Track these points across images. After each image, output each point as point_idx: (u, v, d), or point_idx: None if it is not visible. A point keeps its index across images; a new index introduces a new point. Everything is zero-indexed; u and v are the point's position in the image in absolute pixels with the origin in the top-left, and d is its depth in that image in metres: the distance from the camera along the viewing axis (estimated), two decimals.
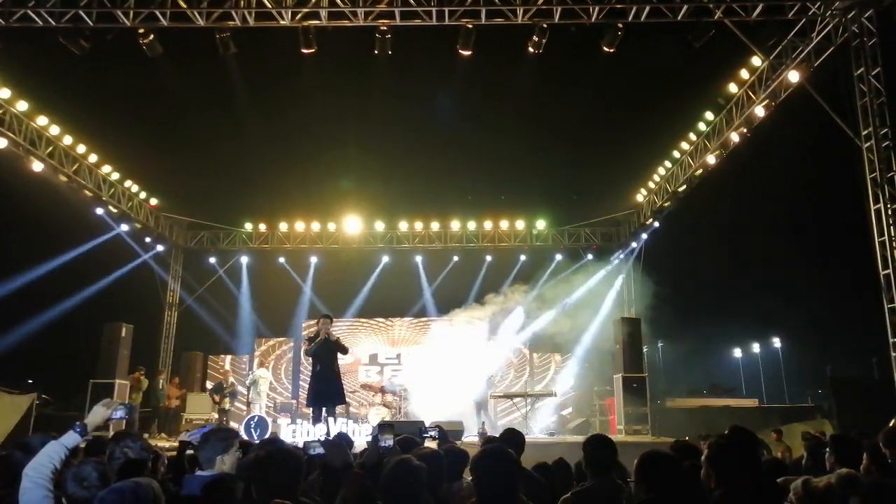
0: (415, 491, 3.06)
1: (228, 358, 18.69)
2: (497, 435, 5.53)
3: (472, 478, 3.20)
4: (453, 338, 16.44)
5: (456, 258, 18.98)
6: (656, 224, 16.86)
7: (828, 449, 3.91)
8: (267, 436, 10.86)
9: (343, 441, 4.37)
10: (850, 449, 3.79)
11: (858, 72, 9.84)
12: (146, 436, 12.62)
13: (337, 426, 10.30)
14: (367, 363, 18.69)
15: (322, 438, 5.58)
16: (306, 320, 18.68)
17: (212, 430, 3.64)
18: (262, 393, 14.83)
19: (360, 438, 9.83)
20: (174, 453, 4.75)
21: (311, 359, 10.71)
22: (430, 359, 16.07)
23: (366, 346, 18.74)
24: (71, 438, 3.19)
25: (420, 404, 14.74)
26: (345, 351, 10.69)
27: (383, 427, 4.09)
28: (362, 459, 3.99)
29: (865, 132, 9.78)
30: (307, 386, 11.46)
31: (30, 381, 15.81)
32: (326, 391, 10.22)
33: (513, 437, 4.81)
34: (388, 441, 3.97)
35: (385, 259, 18.99)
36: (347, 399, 16.11)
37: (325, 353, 10.31)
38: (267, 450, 3.63)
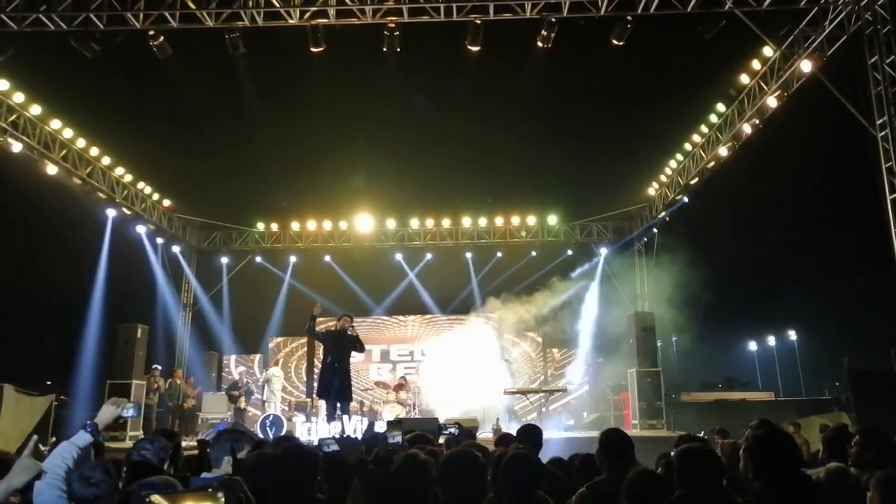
0: (423, 486, 3.05)
1: (257, 357, 18.83)
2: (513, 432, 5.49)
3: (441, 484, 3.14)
4: (482, 334, 16.44)
5: (468, 255, 18.98)
6: (669, 217, 16.74)
7: (854, 441, 3.75)
8: (282, 434, 10.91)
9: (379, 439, 4.33)
10: (883, 442, 3.64)
11: (872, 60, 9.71)
12: None
13: (351, 423, 10.32)
14: (379, 360, 18.74)
15: (336, 435, 5.59)
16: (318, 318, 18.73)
17: (225, 430, 3.66)
18: (276, 392, 14.90)
19: None
20: (194, 452, 4.77)
21: (322, 348, 10.71)
22: (451, 355, 16.01)
23: (378, 345, 18.80)
24: (82, 438, 3.19)
25: (435, 401, 14.75)
26: (361, 349, 10.68)
27: (392, 424, 4.09)
28: (372, 457, 4.01)
29: (880, 121, 9.65)
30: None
31: (48, 383, 15.98)
32: (334, 384, 10.19)
33: (531, 433, 4.76)
34: (396, 437, 3.97)
35: (397, 256, 19.04)
36: (362, 397, 16.19)
37: (339, 347, 10.31)
38: (283, 447, 3.64)
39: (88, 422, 3.29)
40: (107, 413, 3.43)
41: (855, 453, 3.65)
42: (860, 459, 3.58)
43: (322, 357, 10.62)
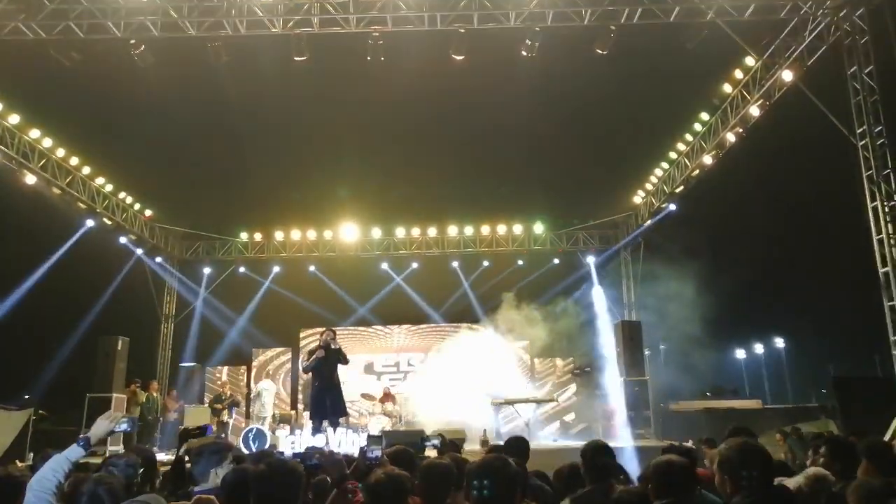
0: (399, 501, 3.00)
1: (243, 369, 18.55)
2: (501, 442, 5.44)
3: (467, 489, 3.12)
4: (471, 344, 16.38)
5: (454, 264, 18.89)
6: (654, 225, 16.80)
7: (820, 452, 3.96)
8: (266, 448, 10.74)
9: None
10: (846, 452, 3.82)
11: (851, 70, 9.83)
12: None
13: (337, 436, 10.20)
14: (363, 372, 18.56)
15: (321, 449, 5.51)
16: (303, 329, 18.58)
17: (204, 445, 3.61)
18: (268, 405, 14.54)
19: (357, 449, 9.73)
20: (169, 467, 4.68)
21: (311, 373, 10.62)
22: (441, 365, 15.89)
23: (362, 355, 18.62)
24: (74, 452, 3.18)
25: (423, 412, 14.62)
26: (345, 361, 10.59)
27: (372, 438, 4.08)
28: (350, 471, 3.95)
29: (860, 130, 9.76)
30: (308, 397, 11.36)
31: (26, 397, 15.67)
32: (327, 404, 10.13)
33: (517, 445, 4.74)
34: (375, 452, 3.94)
35: (383, 266, 18.91)
36: (347, 408, 15.97)
37: (326, 365, 10.20)
38: (265, 462, 3.57)
39: (81, 436, 3.26)
40: (100, 428, 3.40)
41: (823, 464, 3.90)
42: (827, 469, 3.80)
43: (312, 380, 10.53)
